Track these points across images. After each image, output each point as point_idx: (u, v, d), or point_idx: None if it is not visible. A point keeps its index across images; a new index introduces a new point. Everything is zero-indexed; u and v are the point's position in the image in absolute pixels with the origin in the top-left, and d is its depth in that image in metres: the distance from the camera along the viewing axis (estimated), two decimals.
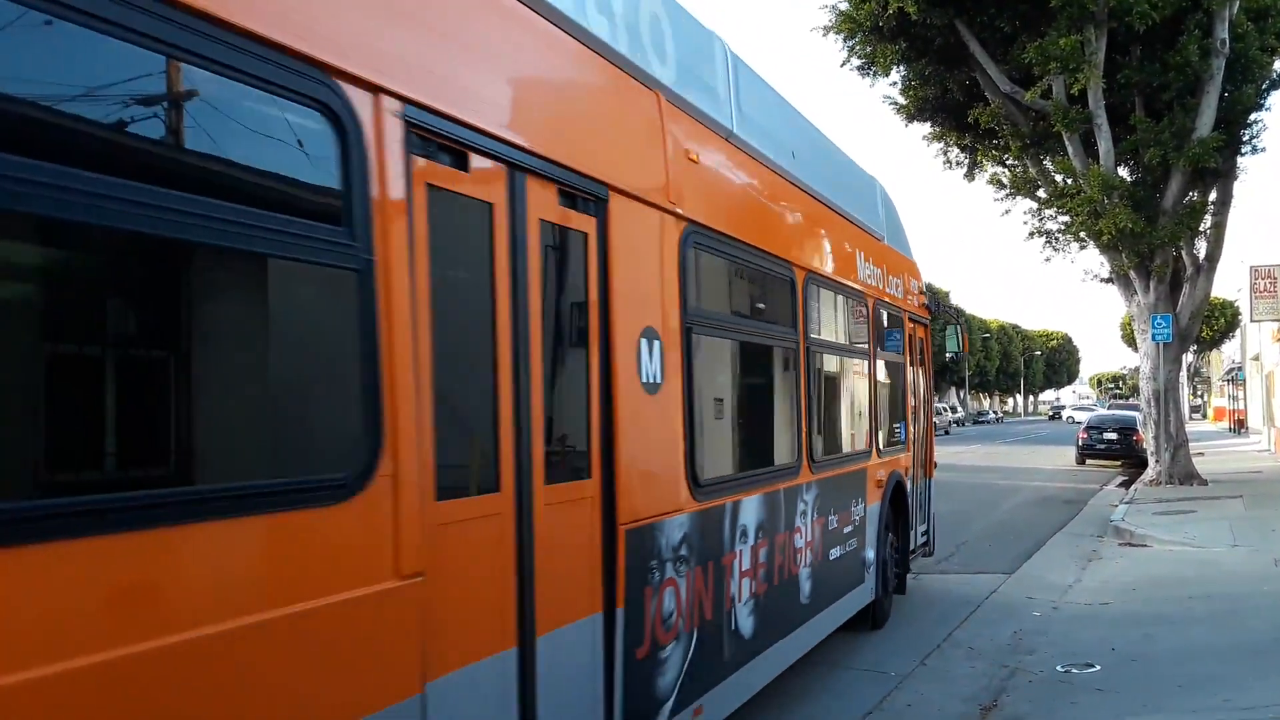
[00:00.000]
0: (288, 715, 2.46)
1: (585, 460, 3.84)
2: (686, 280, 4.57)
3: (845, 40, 19.37)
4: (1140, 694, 5.96)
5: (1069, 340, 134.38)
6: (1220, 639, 7.23)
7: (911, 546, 9.34)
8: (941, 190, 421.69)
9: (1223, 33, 17.11)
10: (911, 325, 9.41)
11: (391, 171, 2.82)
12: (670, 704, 4.29)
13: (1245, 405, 48.69)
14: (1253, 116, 19.52)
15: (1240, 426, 49.06)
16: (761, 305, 6.16)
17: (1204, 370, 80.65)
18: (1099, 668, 6.65)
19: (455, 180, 3.17)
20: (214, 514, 2.32)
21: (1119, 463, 27.33)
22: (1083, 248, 21.23)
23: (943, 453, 29.73)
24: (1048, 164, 20.48)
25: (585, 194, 3.82)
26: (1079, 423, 35.88)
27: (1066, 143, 18.67)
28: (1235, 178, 20.31)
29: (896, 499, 8.58)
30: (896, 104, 21.33)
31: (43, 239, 2.17)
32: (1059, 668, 6.73)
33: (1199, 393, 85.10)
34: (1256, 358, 40.35)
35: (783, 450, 6.05)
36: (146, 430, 2.42)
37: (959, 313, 15.43)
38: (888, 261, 8.56)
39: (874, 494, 7.77)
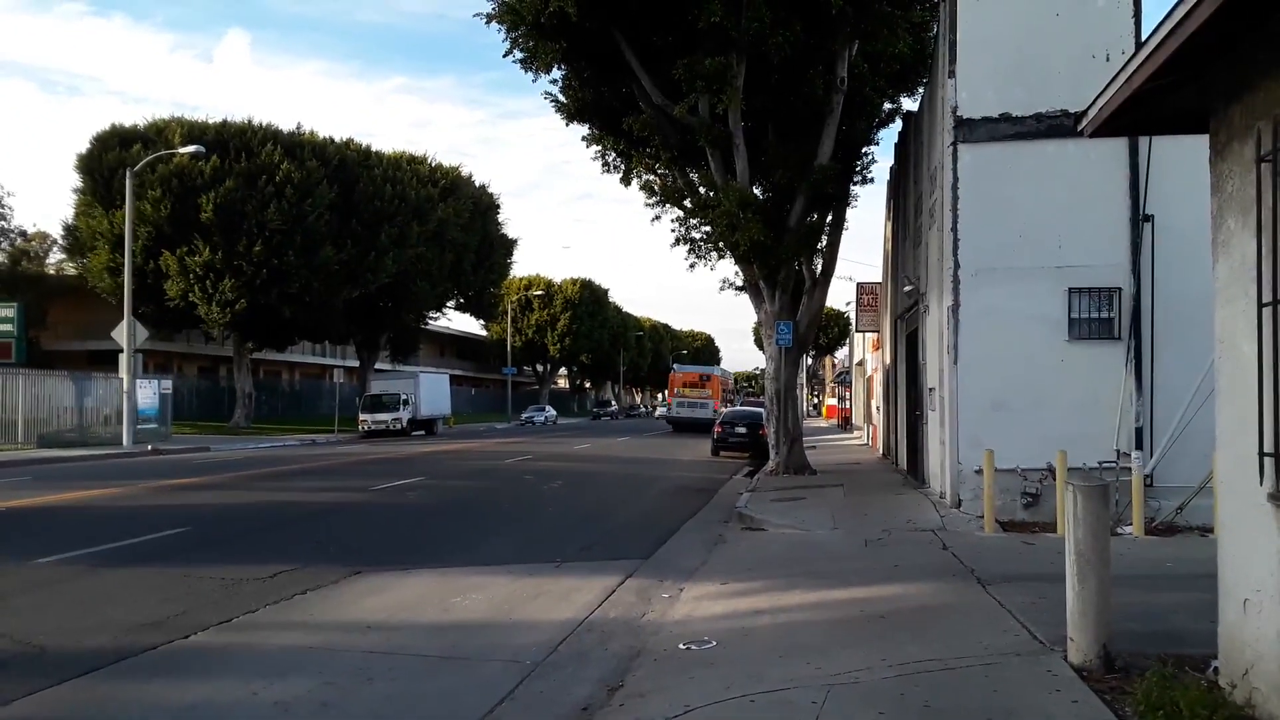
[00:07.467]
0: None
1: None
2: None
3: (508, 31, 19.09)
4: (748, 665, 6.48)
5: (712, 341, 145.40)
6: (816, 615, 8.07)
7: None
8: (605, 189, 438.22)
9: (843, 71, 19.07)
10: (721, 384, 59.81)
11: None
12: None
13: (851, 405, 55.31)
14: (864, 150, 22.10)
15: (847, 423, 55.70)
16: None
17: (820, 373, 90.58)
18: (714, 643, 7.15)
19: None
20: None
21: (747, 454, 29.62)
22: (721, 257, 22.85)
23: (560, 450, 31.06)
24: (693, 176, 21.78)
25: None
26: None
27: (710, 158, 19.97)
28: (849, 204, 22.86)
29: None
30: (558, 101, 21.49)
31: None
32: (680, 645, 7.16)
33: (815, 393, 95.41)
34: (860, 363, 45.88)
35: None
36: None
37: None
38: (721, 382, 61.62)
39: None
